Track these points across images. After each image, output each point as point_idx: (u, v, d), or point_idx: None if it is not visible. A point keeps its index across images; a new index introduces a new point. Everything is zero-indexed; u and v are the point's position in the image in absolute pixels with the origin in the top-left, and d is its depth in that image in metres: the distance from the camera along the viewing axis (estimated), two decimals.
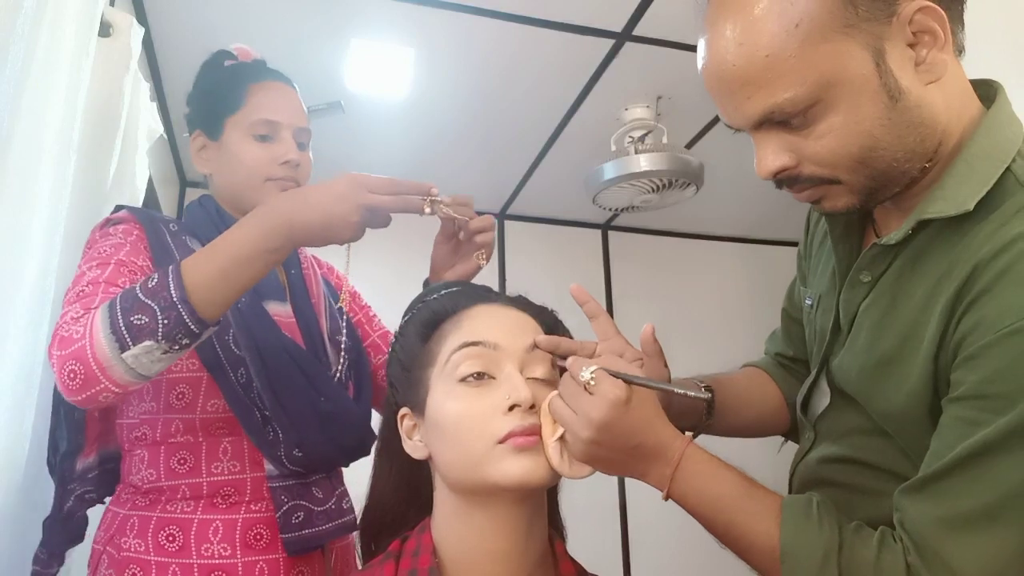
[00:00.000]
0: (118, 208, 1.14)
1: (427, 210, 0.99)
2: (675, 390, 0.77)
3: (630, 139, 2.42)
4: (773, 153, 0.73)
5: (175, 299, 0.87)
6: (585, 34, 2.10)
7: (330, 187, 0.92)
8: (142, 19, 1.96)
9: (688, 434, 0.77)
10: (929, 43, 0.69)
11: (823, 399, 0.90)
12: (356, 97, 2.30)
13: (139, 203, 1.61)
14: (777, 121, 0.72)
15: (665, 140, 2.42)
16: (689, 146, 2.69)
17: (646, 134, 2.45)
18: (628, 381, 0.74)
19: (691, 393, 0.77)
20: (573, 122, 2.55)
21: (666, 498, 0.76)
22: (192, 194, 2.93)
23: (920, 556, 0.66)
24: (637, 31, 2.09)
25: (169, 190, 2.78)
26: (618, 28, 2.08)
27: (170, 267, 0.90)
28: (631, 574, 3.06)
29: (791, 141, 0.72)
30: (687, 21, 2.04)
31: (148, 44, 2.08)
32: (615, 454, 0.75)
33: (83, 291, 0.96)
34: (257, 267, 0.92)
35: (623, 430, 0.73)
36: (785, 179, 0.75)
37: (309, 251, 1.31)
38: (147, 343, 0.86)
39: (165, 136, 2.20)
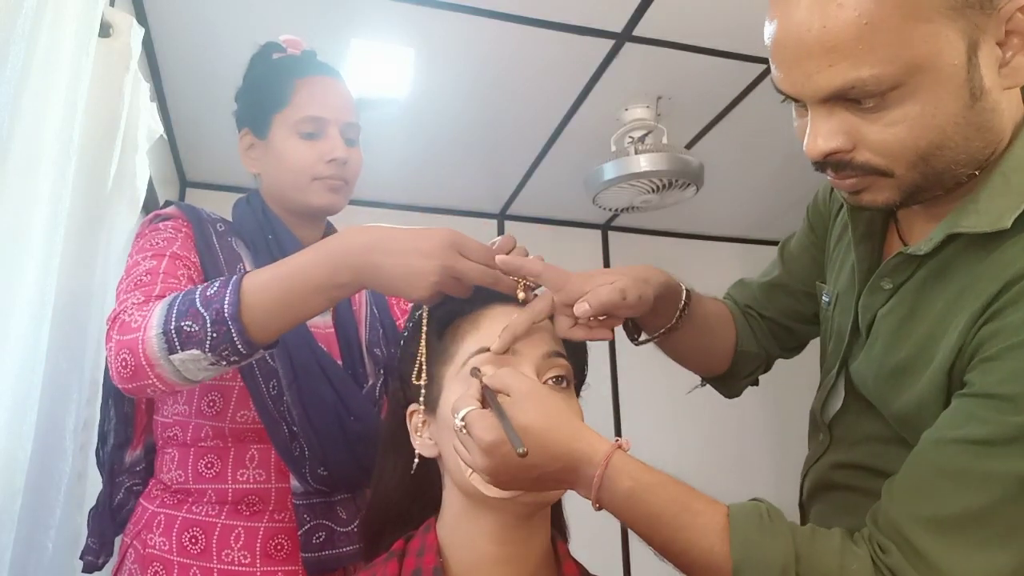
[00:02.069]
0: (167, 204, 1.13)
1: (521, 295, 0.84)
2: (518, 449, 0.66)
3: (630, 139, 2.42)
4: (829, 132, 0.68)
5: (227, 315, 0.82)
6: (585, 34, 2.10)
7: (420, 238, 0.81)
8: (142, 19, 1.96)
9: (612, 444, 0.70)
10: (1017, 46, 0.65)
11: (836, 401, 0.88)
12: (356, 97, 2.29)
13: (139, 203, 1.61)
14: (849, 99, 0.66)
15: (665, 140, 2.42)
16: (689, 146, 2.69)
17: (646, 134, 2.45)
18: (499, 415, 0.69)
19: (519, 448, 0.66)
20: (573, 122, 2.54)
21: (599, 510, 0.72)
22: (192, 194, 2.93)
23: (904, 556, 0.64)
24: (637, 31, 2.09)
25: (169, 190, 2.78)
26: (618, 28, 2.08)
27: (233, 279, 0.85)
28: (631, 574, 3.06)
29: (853, 123, 0.67)
30: (687, 21, 2.05)
31: (148, 44, 2.07)
32: (526, 484, 0.71)
33: (141, 280, 0.95)
34: (319, 301, 0.85)
35: (514, 468, 0.69)
36: (833, 163, 0.70)
37: None
38: (194, 352, 0.83)
39: (165, 136, 2.19)
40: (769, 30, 0.69)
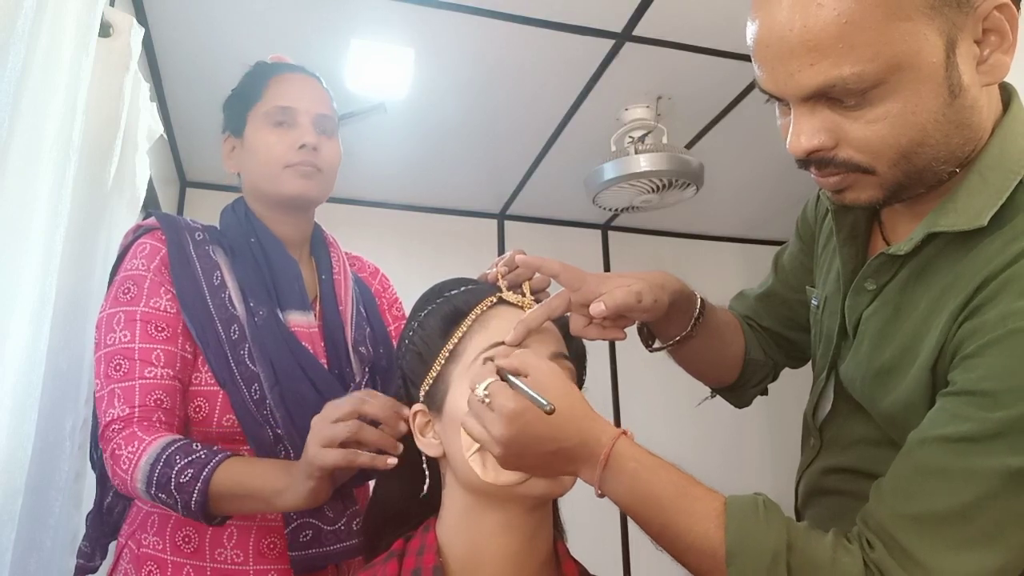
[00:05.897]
0: (148, 215, 1.14)
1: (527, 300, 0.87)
2: (545, 406, 0.69)
3: (630, 139, 2.42)
4: (812, 130, 0.68)
5: (193, 508, 0.93)
6: (585, 34, 2.10)
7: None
8: (142, 19, 1.96)
9: (619, 430, 0.73)
10: (995, 44, 0.66)
11: (827, 404, 0.88)
12: (356, 97, 2.30)
13: (139, 203, 1.61)
14: (831, 97, 0.66)
15: (665, 140, 2.42)
16: (689, 146, 2.69)
17: (646, 134, 2.45)
18: (517, 389, 0.71)
19: (546, 405, 0.69)
20: (573, 122, 2.55)
21: (600, 496, 0.73)
22: (192, 194, 2.93)
23: (889, 553, 0.64)
24: (637, 31, 2.09)
25: (169, 190, 2.78)
26: (618, 28, 2.08)
27: (203, 474, 0.93)
28: (631, 574, 3.06)
29: (835, 121, 0.68)
30: (687, 21, 2.05)
31: (148, 44, 2.07)
32: (535, 460, 0.73)
33: (119, 366, 1.01)
34: (266, 508, 0.97)
35: (531, 439, 0.71)
36: (816, 160, 0.70)
37: (345, 251, 1.29)
38: (170, 509, 0.97)
39: (165, 136, 2.19)
40: (751, 30, 0.70)
